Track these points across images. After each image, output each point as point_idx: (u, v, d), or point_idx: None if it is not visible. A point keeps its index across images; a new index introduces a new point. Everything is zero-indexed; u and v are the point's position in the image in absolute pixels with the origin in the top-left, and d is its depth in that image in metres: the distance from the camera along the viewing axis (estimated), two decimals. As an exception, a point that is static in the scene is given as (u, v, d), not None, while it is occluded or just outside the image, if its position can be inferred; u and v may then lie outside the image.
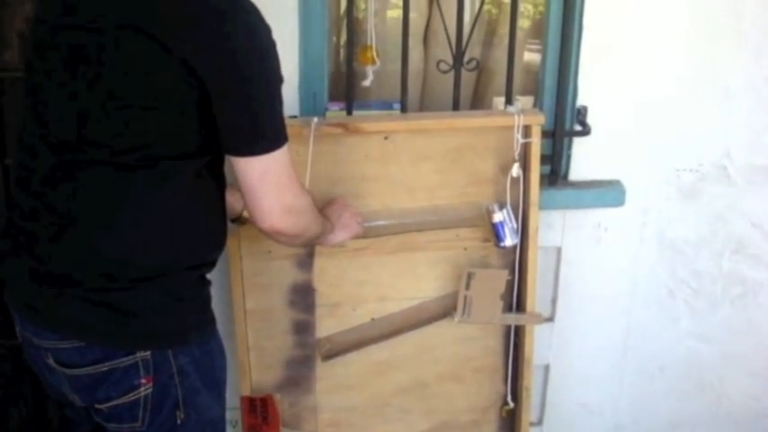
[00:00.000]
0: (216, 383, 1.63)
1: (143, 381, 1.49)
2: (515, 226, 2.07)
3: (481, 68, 2.59)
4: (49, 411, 2.24)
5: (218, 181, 1.55)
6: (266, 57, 1.42)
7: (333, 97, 2.22)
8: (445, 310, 2.16)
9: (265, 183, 1.45)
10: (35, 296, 1.50)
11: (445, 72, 2.15)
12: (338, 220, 1.86)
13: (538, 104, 2.28)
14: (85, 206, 1.44)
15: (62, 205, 1.45)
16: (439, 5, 2.29)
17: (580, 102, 2.21)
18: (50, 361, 1.51)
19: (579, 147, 2.25)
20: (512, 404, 2.26)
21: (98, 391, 1.50)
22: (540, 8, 2.44)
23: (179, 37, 1.35)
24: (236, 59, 1.37)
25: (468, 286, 2.10)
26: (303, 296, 2.10)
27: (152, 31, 1.34)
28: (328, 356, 2.16)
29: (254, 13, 1.42)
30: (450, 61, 2.15)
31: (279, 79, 1.45)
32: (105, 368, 1.47)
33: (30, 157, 1.50)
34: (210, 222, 1.55)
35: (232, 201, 1.70)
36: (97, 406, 1.53)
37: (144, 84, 1.37)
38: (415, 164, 2.05)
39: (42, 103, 1.47)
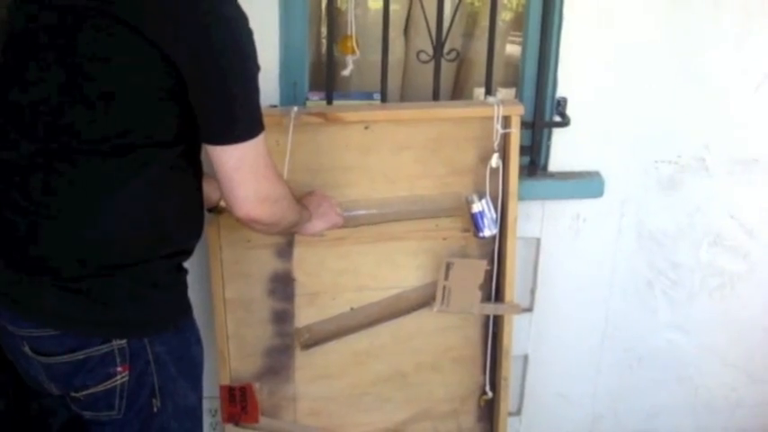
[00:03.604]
0: (192, 372, 1.63)
1: (119, 369, 1.49)
2: (494, 216, 2.08)
3: (462, 60, 2.59)
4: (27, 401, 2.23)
5: (194, 169, 1.55)
6: (243, 46, 1.42)
7: (313, 87, 2.22)
8: (424, 299, 2.17)
9: (241, 171, 1.45)
10: (11, 284, 1.50)
11: (425, 62, 2.15)
12: (317, 210, 1.86)
13: (518, 95, 2.29)
14: (62, 194, 1.43)
15: (39, 193, 1.44)
16: (420, -4, 2.29)
17: (560, 93, 2.21)
18: (26, 349, 1.51)
19: (558, 138, 2.25)
20: (490, 394, 2.27)
21: (74, 379, 1.50)
22: (523, 0, 2.45)
23: (156, 25, 1.35)
24: (212, 48, 1.37)
25: (447, 276, 2.11)
26: (282, 285, 2.11)
27: (129, 19, 1.34)
28: (307, 346, 2.16)
29: (231, 1, 1.41)
30: (431, 52, 2.15)
31: (256, 68, 1.45)
32: (81, 356, 1.47)
33: (7, 146, 1.49)
34: (187, 211, 1.55)
35: (209, 190, 1.69)
36: (73, 394, 1.54)
37: (120, 72, 1.37)
38: (395, 154, 2.05)
39: (18, 91, 1.46)
